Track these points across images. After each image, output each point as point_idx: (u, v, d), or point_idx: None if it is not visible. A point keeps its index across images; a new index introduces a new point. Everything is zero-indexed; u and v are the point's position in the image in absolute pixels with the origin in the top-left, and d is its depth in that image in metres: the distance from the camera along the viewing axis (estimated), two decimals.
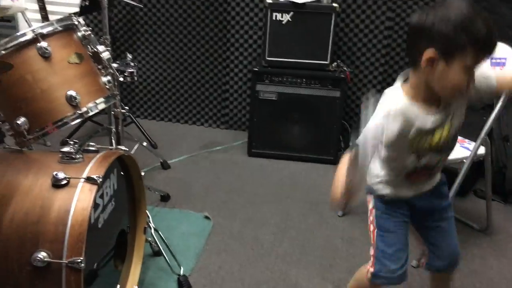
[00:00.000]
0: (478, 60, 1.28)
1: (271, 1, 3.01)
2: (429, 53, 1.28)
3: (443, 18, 1.26)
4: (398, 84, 1.43)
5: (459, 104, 1.44)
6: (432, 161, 1.48)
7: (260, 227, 2.49)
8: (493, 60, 2.01)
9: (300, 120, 3.17)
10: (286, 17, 3.00)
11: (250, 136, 3.28)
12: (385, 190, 1.55)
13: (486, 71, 1.44)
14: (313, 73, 3.08)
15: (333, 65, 3.12)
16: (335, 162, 3.19)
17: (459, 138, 1.62)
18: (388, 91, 1.43)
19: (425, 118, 1.38)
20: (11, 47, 1.57)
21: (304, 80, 3.09)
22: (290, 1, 2.99)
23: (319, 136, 3.17)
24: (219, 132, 3.71)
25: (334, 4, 3.00)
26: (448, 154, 1.52)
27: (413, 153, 1.44)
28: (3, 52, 1.56)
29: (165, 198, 2.68)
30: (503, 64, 2.06)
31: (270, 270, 2.18)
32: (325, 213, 2.63)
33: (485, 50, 1.28)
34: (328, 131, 3.14)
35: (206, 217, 2.53)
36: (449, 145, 1.48)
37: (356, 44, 3.37)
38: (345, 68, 3.14)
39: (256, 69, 3.13)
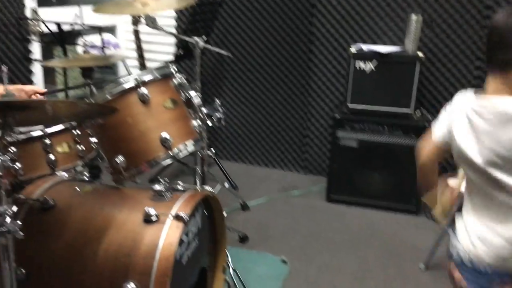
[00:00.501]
0: None
1: (355, 51, 3.07)
2: None
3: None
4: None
5: None
6: None
7: (336, 274, 2.45)
8: None
9: (381, 167, 3.13)
10: (369, 66, 3.03)
11: (329, 181, 3.28)
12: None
13: None
14: (396, 121, 3.06)
15: (416, 113, 3.08)
16: (416, 212, 3.10)
17: None
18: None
19: None
20: (116, 92, 1.75)
21: (386, 127, 3.07)
22: (374, 51, 3.03)
23: (400, 185, 3.10)
24: (298, 177, 3.74)
25: (419, 53, 2.99)
26: None
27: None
28: (109, 97, 1.74)
29: (243, 239, 2.74)
30: None
31: None
32: (406, 265, 2.54)
33: None
34: (409, 180, 3.06)
35: (283, 261, 2.55)
36: None
37: (441, 93, 3.30)
38: (429, 117, 3.09)
39: (338, 116, 3.16)
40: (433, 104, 3.33)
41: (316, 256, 2.62)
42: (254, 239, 2.77)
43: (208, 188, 1.94)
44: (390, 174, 3.11)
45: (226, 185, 3.22)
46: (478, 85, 3.19)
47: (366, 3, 3.27)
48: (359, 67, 3.05)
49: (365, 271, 2.49)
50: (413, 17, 3.00)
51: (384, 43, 3.31)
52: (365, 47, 3.13)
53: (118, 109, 1.61)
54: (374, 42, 3.32)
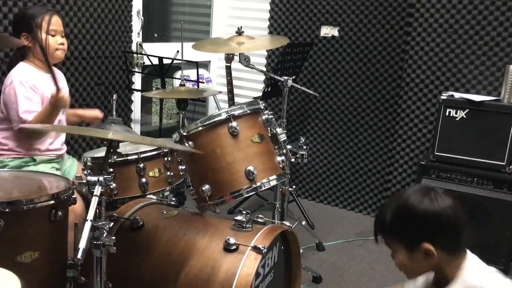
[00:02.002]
0: None
1: (445, 98, 2.99)
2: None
3: None
4: None
5: None
6: None
7: None
8: None
9: (468, 221, 2.96)
10: (460, 114, 2.94)
11: None
12: None
13: None
14: (487, 173, 2.91)
15: (510, 167, 2.91)
16: (505, 271, 2.88)
17: None
18: None
19: None
20: (207, 124, 1.85)
21: (475, 179, 2.93)
22: (466, 99, 2.94)
23: (489, 241, 2.91)
24: None
25: None
26: None
27: None
28: (200, 128, 1.85)
29: (317, 279, 2.71)
30: None
31: None
32: None
33: None
34: (499, 237, 2.88)
35: None
36: None
37: None
38: None
39: (423, 163, 3.07)
40: None
41: None
42: (328, 281, 2.73)
43: (287, 223, 1.97)
44: (479, 229, 2.93)
45: (303, 223, 3.22)
46: None
47: (461, 50, 3.20)
48: (449, 114, 2.96)
49: None
50: (511, 67, 2.89)
51: (478, 92, 3.20)
52: (457, 95, 3.05)
53: (207, 141, 1.69)
54: (467, 91, 3.22)
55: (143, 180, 2.17)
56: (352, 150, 3.75)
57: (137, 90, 3.47)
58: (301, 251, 2.04)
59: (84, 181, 1.39)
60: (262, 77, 4.04)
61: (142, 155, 2.17)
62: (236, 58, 2.78)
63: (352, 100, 3.68)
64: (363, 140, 3.69)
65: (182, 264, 1.62)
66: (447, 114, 2.96)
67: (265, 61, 4.01)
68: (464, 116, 2.94)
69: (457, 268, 1.33)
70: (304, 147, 2.56)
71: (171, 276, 1.60)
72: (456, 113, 2.95)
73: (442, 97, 3.01)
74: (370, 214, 3.74)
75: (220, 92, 2.95)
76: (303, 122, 3.94)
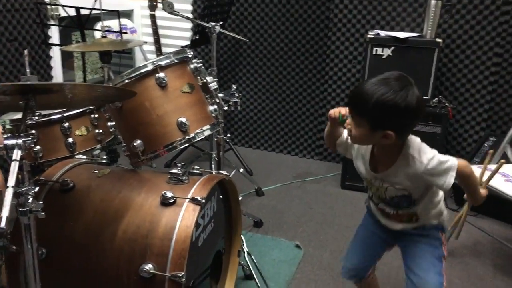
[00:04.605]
0: None
1: (372, 36, 3.04)
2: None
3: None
4: None
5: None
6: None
7: None
8: None
9: None
10: (386, 52, 3.01)
11: (344, 168, 3.28)
12: None
13: None
14: None
15: (434, 100, 3.05)
16: None
17: None
18: None
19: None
20: (134, 76, 1.76)
21: None
22: (391, 36, 3.00)
23: None
24: (313, 163, 3.75)
25: (438, 39, 2.95)
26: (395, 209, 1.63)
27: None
28: (127, 81, 1.76)
29: (258, 224, 2.76)
30: None
31: None
32: None
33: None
34: None
35: (297, 246, 2.57)
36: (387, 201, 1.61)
37: (460, 80, 3.26)
38: (447, 104, 3.06)
39: None
40: (451, 91, 3.30)
41: (329, 242, 2.63)
42: (268, 224, 2.79)
43: (224, 172, 1.96)
44: None
45: (241, 170, 3.24)
46: (496, 72, 3.16)
47: None
48: (376, 53, 3.02)
49: None
50: (432, 2, 2.96)
51: (402, 29, 3.27)
52: (383, 33, 3.10)
53: (136, 93, 1.62)
54: (392, 29, 3.29)
55: (70, 140, 2.07)
56: (285, 94, 3.76)
57: (55, 45, 3.24)
58: (240, 198, 2.05)
59: (1, 145, 1.29)
60: (190, 25, 3.90)
61: (66, 114, 2.06)
62: (160, 5, 2.64)
63: (282, 44, 3.65)
64: (295, 83, 3.70)
65: (118, 222, 1.57)
66: (374, 52, 3.02)
67: (191, 8, 3.86)
68: (391, 54, 3.02)
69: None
70: (236, 94, 2.53)
71: (107, 235, 1.56)
72: (382, 51, 3.01)
73: (368, 35, 3.05)
74: (306, 156, 3.83)
75: (146, 42, 2.82)
76: (235, 69, 3.88)
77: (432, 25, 3.00)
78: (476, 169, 1.87)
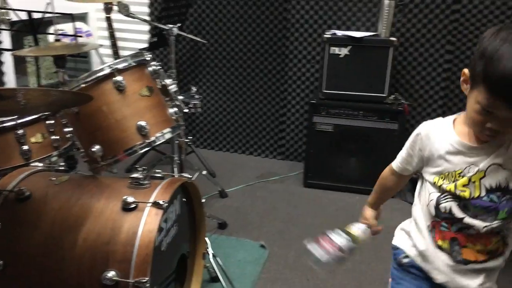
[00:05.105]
0: (490, 103, 1.04)
1: (329, 36, 3.09)
2: (464, 71, 1.14)
3: (487, 38, 1.06)
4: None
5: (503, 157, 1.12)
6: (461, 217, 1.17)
7: None
8: None
9: (357, 152, 3.18)
10: (343, 51, 3.06)
11: (306, 167, 3.32)
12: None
13: None
14: (371, 105, 3.10)
15: (391, 97, 3.13)
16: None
17: None
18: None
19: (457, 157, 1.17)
20: (90, 80, 1.73)
21: (361, 112, 3.11)
22: (348, 36, 3.06)
23: (375, 168, 3.09)
24: (276, 163, 3.77)
25: (392, 38, 3.03)
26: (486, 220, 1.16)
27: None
28: (83, 85, 1.72)
29: (222, 225, 2.75)
30: None
31: None
32: (382, 245, 2.59)
33: (499, 96, 1.02)
34: (385, 163, 3.10)
35: (262, 246, 2.58)
36: (480, 206, 1.15)
37: (414, 77, 3.36)
38: (403, 101, 3.14)
39: (313, 101, 3.19)
40: (407, 89, 3.39)
41: (294, 240, 2.66)
42: (233, 225, 2.79)
43: (186, 175, 1.94)
44: (366, 158, 3.17)
45: (204, 172, 3.22)
46: (448, 69, 3.27)
47: None
48: (334, 53, 3.07)
49: None
50: (386, 2, 3.03)
51: (358, 29, 3.34)
52: (340, 32, 3.16)
53: (93, 97, 1.59)
54: (348, 28, 3.35)
55: (25, 147, 2.00)
56: (246, 95, 3.77)
57: (6, 50, 3.13)
58: (203, 200, 2.04)
59: None
60: (148, 27, 3.85)
61: (20, 120, 1.99)
62: (116, 8, 2.59)
63: (241, 45, 3.66)
64: (256, 84, 3.72)
65: (78, 230, 1.53)
66: (331, 52, 3.07)
67: (148, 10, 3.81)
68: (348, 53, 3.07)
69: None
70: (197, 96, 2.52)
71: (67, 244, 1.52)
72: (339, 50, 3.06)
73: (325, 35, 3.10)
74: (269, 156, 3.85)
75: (101, 45, 2.76)
76: (194, 71, 3.85)
77: (386, 24, 3.07)
78: None
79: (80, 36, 3.37)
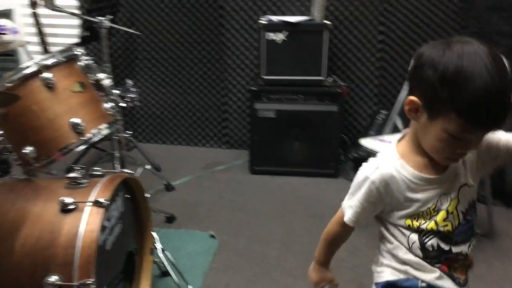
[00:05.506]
0: (467, 129, 0.94)
1: (265, 22, 3.09)
2: (412, 98, 1.01)
3: (438, 58, 0.94)
4: (393, 142, 1.15)
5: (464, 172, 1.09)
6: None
7: (265, 243, 2.52)
8: None
9: (300, 135, 3.22)
10: (280, 37, 3.08)
11: (251, 154, 3.33)
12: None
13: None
14: (310, 89, 3.15)
15: (329, 80, 3.18)
16: (335, 175, 3.24)
17: None
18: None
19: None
20: (16, 79, 1.64)
21: (301, 96, 3.15)
22: (283, 21, 3.08)
23: (319, 150, 3.22)
24: (221, 152, 3.76)
25: (326, 22, 3.08)
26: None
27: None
28: (8, 84, 1.63)
29: (170, 219, 2.72)
30: None
31: (276, 285, 2.20)
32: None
33: (476, 122, 0.93)
34: (327, 145, 3.19)
35: (212, 236, 2.57)
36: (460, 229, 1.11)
37: (350, 59, 3.44)
38: (341, 83, 3.21)
39: (254, 88, 3.19)
40: (344, 71, 3.47)
41: (244, 228, 2.67)
42: (181, 218, 2.76)
43: (127, 171, 1.90)
44: (309, 141, 3.22)
45: (148, 167, 3.16)
46: (382, 49, 3.37)
47: None
48: (271, 39, 3.08)
49: (291, 236, 2.58)
50: None
51: (293, 13, 3.37)
52: (275, 18, 3.17)
53: (21, 96, 1.51)
54: (283, 14, 3.37)
55: None
56: (186, 85, 3.72)
57: None
58: (149, 195, 2.01)
59: None
60: (78, 21, 3.70)
61: None
62: (42, 2, 2.47)
63: (177, 35, 3.60)
64: (195, 74, 3.68)
65: (15, 236, 1.46)
66: (268, 38, 3.08)
67: (77, 3, 3.66)
68: (285, 38, 3.09)
69: None
70: (133, 89, 2.46)
71: (4, 251, 1.44)
72: (276, 36, 3.08)
73: (261, 21, 3.10)
74: (213, 146, 3.83)
75: (28, 42, 2.63)
76: (131, 64, 3.76)
77: (320, 8, 3.12)
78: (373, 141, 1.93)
79: (4, 34, 3.19)
